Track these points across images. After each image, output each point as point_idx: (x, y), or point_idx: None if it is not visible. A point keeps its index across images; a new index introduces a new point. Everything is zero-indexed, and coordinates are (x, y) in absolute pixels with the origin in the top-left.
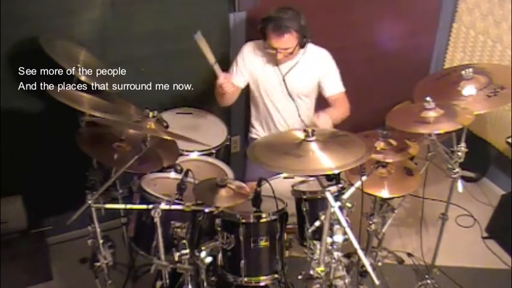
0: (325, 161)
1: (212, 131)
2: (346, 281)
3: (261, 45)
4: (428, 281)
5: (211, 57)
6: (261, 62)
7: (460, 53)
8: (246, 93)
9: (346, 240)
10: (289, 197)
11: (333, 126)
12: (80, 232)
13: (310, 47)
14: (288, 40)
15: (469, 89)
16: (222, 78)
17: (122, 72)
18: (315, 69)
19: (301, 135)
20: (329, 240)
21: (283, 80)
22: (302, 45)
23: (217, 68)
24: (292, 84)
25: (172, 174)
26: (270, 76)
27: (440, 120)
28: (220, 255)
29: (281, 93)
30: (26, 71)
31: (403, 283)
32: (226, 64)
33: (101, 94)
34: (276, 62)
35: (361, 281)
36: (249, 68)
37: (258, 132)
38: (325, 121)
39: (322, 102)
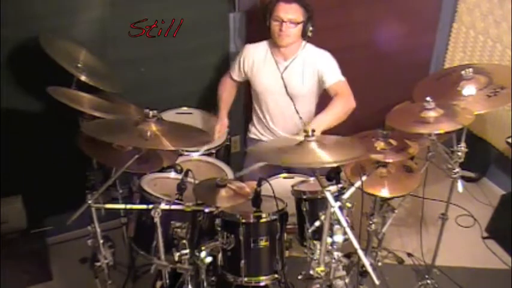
0: (322, 155)
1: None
2: (346, 281)
3: (261, 47)
4: (428, 281)
5: None
6: (261, 61)
7: (460, 53)
8: (245, 94)
9: (346, 240)
10: (289, 197)
11: (335, 123)
12: (80, 232)
13: (311, 47)
14: (295, 10)
15: (469, 89)
16: (218, 128)
17: (122, 72)
18: (314, 66)
19: (301, 137)
20: (329, 240)
21: (282, 78)
22: (304, 34)
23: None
24: (290, 82)
25: (172, 174)
26: (269, 75)
27: (440, 120)
28: (220, 255)
29: (280, 93)
30: (26, 71)
31: (403, 283)
32: (226, 64)
33: (101, 94)
34: (278, 41)
35: (361, 281)
36: (248, 67)
37: (257, 132)
38: (318, 125)
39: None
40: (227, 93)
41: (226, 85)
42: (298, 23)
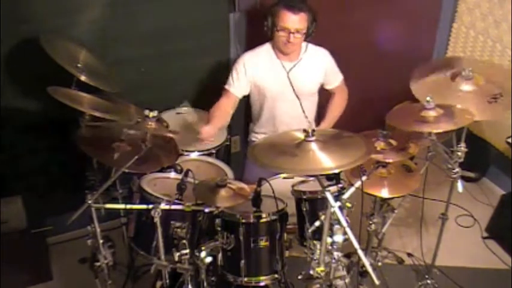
0: (323, 160)
1: None
2: (346, 281)
3: (263, 52)
4: (428, 281)
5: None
6: (266, 66)
7: (460, 53)
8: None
9: (346, 240)
10: (289, 197)
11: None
12: (80, 232)
13: (310, 45)
14: (304, 19)
15: (467, 88)
16: (203, 135)
17: (122, 72)
18: (318, 68)
19: (301, 135)
20: (329, 240)
21: (289, 79)
22: (307, 36)
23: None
24: (297, 83)
25: (172, 174)
26: (277, 78)
27: (440, 120)
28: (220, 255)
29: (288, 94)
30: (26, 71)
31: (403, 283)
32: (226, 65)
33: (101, 94)
34: (284, 49)
35: (361, 281)
36: (252, 76)
37: (258, 136)
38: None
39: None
40: (220, 113)
41: (220, 106)
42: (305, 31)
